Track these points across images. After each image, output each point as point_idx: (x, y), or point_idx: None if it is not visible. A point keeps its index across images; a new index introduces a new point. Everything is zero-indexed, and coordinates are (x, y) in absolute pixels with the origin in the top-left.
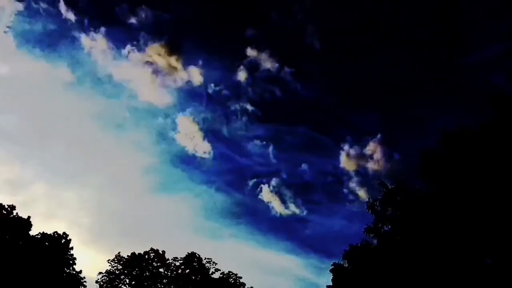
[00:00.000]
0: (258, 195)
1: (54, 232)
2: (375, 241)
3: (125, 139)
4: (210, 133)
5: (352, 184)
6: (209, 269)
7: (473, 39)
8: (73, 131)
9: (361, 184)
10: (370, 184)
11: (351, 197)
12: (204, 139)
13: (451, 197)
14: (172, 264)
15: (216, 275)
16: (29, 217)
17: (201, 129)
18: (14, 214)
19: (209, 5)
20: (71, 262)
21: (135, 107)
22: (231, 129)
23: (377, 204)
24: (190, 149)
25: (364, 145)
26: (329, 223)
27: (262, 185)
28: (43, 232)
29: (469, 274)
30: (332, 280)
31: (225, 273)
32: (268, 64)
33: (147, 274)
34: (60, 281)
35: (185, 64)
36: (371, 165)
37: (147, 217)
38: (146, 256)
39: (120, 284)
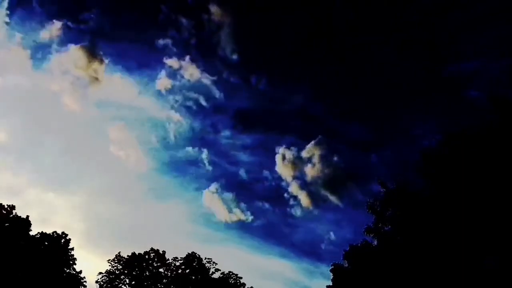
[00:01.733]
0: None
1: (54, 232)
2: (375, 241)
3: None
4: (143, 143)
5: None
6: (209, 269)
7: (452, 53)
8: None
9: (301, 187)
10: (308, 188)
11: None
12: (138, 148)
13: (452, 197)
14: (172, 264)
15: (216, 275)
16: (27, 216)
17: (134, 138)
18: (14, 214)
19: (124, 15)
20: (71, 262)
21: (58, 117)
22: (161, 137)
23: (377, 204)
24: (124, 159)
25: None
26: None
27: (203, 191)
28: (42, 232)
29: (470, 275)
30: (332, 280)
31: (225, 273)
32: (188, 72)
33: (147, 274)
34: (60, 281)
35: (107, 74)
36: (308, 169)
37: (140, 223)
38: (146, 256)
39: (120, 284)
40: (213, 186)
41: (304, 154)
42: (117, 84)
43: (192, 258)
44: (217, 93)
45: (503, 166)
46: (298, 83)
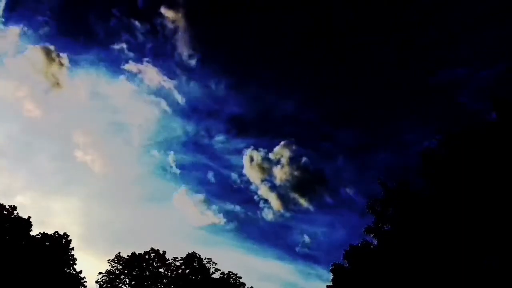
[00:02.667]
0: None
1: (55, 232)
2: (375, 241)
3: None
4: (108, 147)
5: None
6: (209, 269)
7: (440, 61)
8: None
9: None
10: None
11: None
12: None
13: (452, 197)
14: (172, 264)
15: (216, 275)
16: (29, 217)
17: (98, 142)
18: (15, 214)
19: (81, 20)
20: (71, 262)
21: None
22: (126, 142)
23: (378, 204)
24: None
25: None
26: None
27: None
28: (43, 232)
29: (470, 275)
30: (332, 280)
31: (225, 273)
32: (148, 77)
33: (147, 274)
34: (60, 281)
35: (69, 79)
36: (277, 171)
37: (135, 226)
38: (147, 256)
39: (120, 284)
40: (183, 189)
41: (272, 156)
42: (79, 88)
43: (192, 258)
44: (179, 98)
45: (503, 166)
46: (294, 85)
